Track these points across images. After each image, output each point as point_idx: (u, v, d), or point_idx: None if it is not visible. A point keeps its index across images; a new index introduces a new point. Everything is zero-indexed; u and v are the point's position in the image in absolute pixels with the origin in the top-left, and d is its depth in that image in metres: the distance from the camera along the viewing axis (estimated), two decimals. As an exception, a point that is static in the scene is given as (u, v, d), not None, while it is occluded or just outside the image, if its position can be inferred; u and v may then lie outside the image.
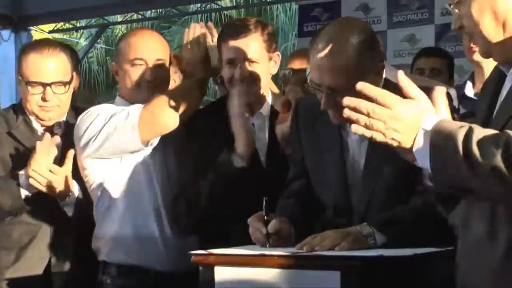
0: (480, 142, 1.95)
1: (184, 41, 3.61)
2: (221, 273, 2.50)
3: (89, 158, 3.47)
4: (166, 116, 3.37)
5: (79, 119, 3.51)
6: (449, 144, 1.99)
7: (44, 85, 3.55)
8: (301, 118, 3.13)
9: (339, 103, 2.49)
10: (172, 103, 3.36)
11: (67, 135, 3.62)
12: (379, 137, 2.08)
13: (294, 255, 2.46)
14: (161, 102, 3.37)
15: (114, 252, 3.51)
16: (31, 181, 3.43)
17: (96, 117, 3.44)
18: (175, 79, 4.03)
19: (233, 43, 3.33)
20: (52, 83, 3.56)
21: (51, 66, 3.58)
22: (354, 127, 2.09)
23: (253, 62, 3.34)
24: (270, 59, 3.42)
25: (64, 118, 3.70)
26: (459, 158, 1.97)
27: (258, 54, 3.35)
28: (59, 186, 3.46)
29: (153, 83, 3.49)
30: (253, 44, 3.34)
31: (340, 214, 2.94)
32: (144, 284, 3.49)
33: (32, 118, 3.65)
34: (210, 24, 3.65)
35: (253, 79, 3.36)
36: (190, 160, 3.42)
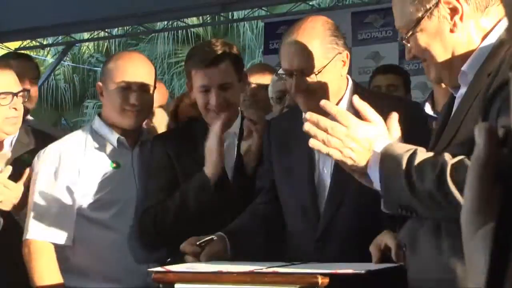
0: (419, 167, 2.03)
1: None
2: (181, 291, 2.51)
3: None
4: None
5: (37, 156, 3.52)
6: (394, 168, 2.08)
7: (13, 94, 3.53)
8: (273, 137, 3.23)
9: (308, 88, 2.90)
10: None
11: (14, 153, 3.62)
12: (335, 154, 2.15)
13: (253, 272, 2.49)
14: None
15: (72, 277, 3.47)
16: None
17: (39, 172, 3.47)
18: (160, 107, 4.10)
19: (205, 70, 3.36)
20: (18, 92, 3.56)
21: (11, 77, 3.57)
22: (312, 142, 2.16)
23: (226, 87, 3.37)
24: (240, 80, 3.46)
25: (17, 135, 3.67)
26: (402, 182, 2.05)
27: (230, 78, 3.39)
28: (14, 201, 3.45)
29: (138, 108, 3.48)
30: (224, 70, 3.37)
31: (307, 221, 3.02)
32: None
33: None
34: None
35: (228, 104, 3.39)
36: (158, 179, 3.45)
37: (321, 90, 2.94)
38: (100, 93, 3.58)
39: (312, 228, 2.99)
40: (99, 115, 3.65)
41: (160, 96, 3.74)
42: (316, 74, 2.93)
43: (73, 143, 3.56)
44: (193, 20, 12.81)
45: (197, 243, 2.98)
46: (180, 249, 2.99)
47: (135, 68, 3.52)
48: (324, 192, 3.01)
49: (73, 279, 3.45)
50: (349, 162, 2.16)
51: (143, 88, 3.49)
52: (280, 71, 3.07)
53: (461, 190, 1.96)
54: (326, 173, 3.02)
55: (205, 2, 9.17)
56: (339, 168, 2.92)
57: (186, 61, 3.51)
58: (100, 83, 3.58)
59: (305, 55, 2.93)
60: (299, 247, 3.04)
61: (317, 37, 2.96)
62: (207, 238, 2.98)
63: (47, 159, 3.50)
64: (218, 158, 3.29)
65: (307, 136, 3.02)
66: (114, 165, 3.52)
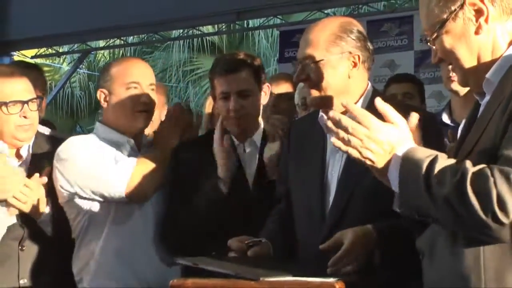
0: (440, 172, 2.02)
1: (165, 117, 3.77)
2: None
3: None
4: (149, 191, 3.51)
5: (61, 147, 3.53)
6: (414, 172, 2.07)
7: (23, 102, 3.54)
8: (292, 139, 3.27)
9: (308, 78, 3.00)
10: (154, 176, 3.51)
11: (34, 160, 3.63)
12: (354, 154, 2.17)
13: (269, 281, 2.48)
14: (148, 174, 3.48)
15: (96, 278, 3.51)
16: (10, 200, 3.42)
17: (79, 151, 3.49)
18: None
19: (225, 77, 3.46)
20: (29, 100, 3.56)
21: (23, 85, 3.58)
22: (333, 140, 2.18)
23: (245, 94, 3.47)
24: (261, 90, 3.54)
25: (32, 142, 3.68)
26: (421, 186, 2.04)
27: (250, 86, 3.49)
28: (35, 202, 3.46)
29: (148, 108, 3.55)
30: (244, 77, 3.47)
31: (313, 224, 3.03)
32: None
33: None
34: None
35: (246, 112, 3.47)
36: (181, 186, 3.51)
37: (321, 82, 2.99)
38: (104, 99, 3.58)
39: (317, 231, 2.99)
40: (101, 123, 3.66)
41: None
42: (316, 63, 2.97)
43: (96, 140, 3.60)
44: (209, 28, 12.85)
45: (246, 242, 3.01)
46: (228, 244, 3.02)
47: (142, 70, 3.61)
48: (330, 197, 3.02)
49: (101, 281, 3.49)
50: (368, 162, 2.18)
51: (151, 88, 3.57)
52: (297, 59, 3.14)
53: (479, 199, 1.95)
54: (333, 177, 3.03)
55: (221, 11, 9.18)
56: (346, 173, 2.96)
57: (210, 71, 3.60)
58: (104, 90, 3.58)
59: (309, 45, 3.01)
60: (305, 249, 3.06)
61: (324, 31, 3.03)
62: (256, 239, 3.03)
63: (82, 144, 3.55)
64: (225, 159, 3.39)
65: (322, 139, 3.06)
66: None
